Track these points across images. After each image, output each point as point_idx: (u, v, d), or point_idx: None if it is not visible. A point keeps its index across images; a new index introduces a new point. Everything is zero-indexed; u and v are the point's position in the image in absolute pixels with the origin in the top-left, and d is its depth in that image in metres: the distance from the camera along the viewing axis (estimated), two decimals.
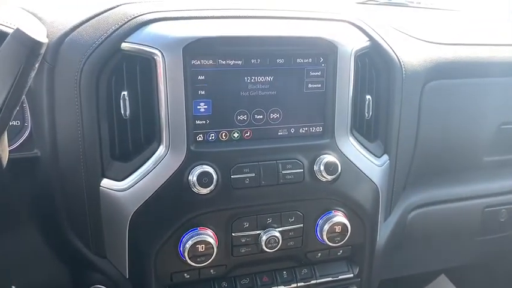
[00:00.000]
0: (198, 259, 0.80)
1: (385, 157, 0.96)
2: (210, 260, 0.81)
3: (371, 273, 0.99)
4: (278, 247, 0.85)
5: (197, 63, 0.77)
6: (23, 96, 0.79)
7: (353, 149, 0.89)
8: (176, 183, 0.79)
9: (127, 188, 0.79)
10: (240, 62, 0.79)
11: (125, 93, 0.77)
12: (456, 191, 1.13)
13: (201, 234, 0.80)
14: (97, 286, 0.84)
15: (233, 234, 0.84)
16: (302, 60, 0.83)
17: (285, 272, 0.92)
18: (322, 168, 0.84)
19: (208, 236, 0.81)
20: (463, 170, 1.14)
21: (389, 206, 1.02)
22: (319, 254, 0.92)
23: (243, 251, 0.86)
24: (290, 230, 0.87)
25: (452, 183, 1.13)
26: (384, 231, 1.00)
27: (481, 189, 1.15)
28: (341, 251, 0.93)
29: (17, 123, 0.82)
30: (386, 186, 0.97)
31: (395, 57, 0.92)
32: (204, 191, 0.79)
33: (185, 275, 0.84)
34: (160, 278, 0.83)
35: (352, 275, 0.96)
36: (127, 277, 0.83)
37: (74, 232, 0.84)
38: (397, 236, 1.06)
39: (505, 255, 1.40)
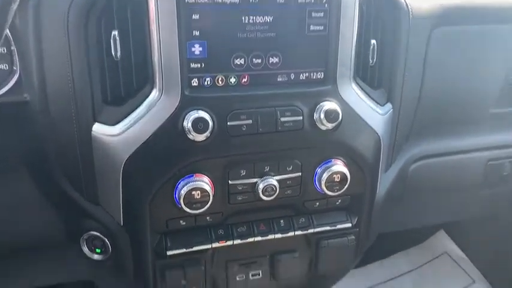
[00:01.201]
0: (194, 206, 0.79)
1: (389, 106, 0.92)
2: (206, 207, 0.80)
3: (370, 224, 0.98)
4: (275, 195, 0.84)
5: (191, 1, 0.72)
6: (10, 38, 0.76)
7: (355, 97, 0.85)
8: (170, 129, 0.76)
9: (119, 134, 0.77)
10: (237, 1, 0.74)
11: (116, 33, 0.73)
12: (460, 143, 1.10)
13: (196, 180, 0.78)
14: (91, 233, 0.83)
15: (230, 182, 0.82)
16: (304, 0, 0.78)
17: (282, 221, 0.91)
18: (322, 115, 0.81)
19: (204, 182, 0.79)
20: (467, 122, 1.11)
21: (390, 156, 0.99)
22: (317, 204, 0.91)
23: (239, 198, 0.84)
24: (288, 179, 0.85)
25: (456, 135, 1.10)
26: (384, 182, 0.98)
27: (484, 141, 1.12)
28: (339, 201, 0.92)
29: (5, 67, 0.78)
30: (388, 136, 0.95)
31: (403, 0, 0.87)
32: (200, 137, 0.76)
33: (181, 222, 0.83)
34: (155, 224, 0.82)
35: (350, 224, 0.94)
36: (121, 224, 0.82)
37: (67, 178, 0.82)
38: (398, 188, 1.04)
39: (507, 210, 1.40)
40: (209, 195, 0.79)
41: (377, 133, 0.90)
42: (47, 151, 0.81)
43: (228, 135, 0.79)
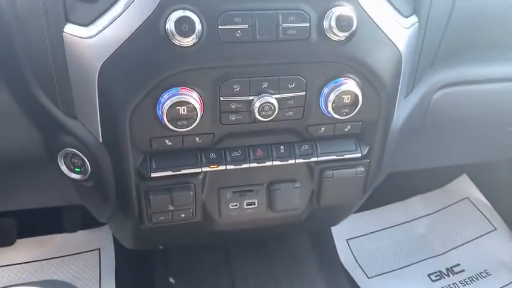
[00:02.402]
0: (179, 123, 0.69)
1: (414, 18, 0.78)
2: (193, 125, 0.70)
3: (382, 156, 0.87)
4: (273, 116, 0.73)
5: None
6: None
7: (375, 2, 0.72)
8: (151, 30, 0.65)
9: (94, 35, 0.66)
10: None
11: None
12: (493, 70, 0.95)
13: (182, 94, 0.68)
14: (68, 149, 0.75)
15: (221, 98, 0.72)
16: None
17: (282, 147, 0.81)
18: (333, 22, 0.69)
19: (191, 97, 0.69)
20: (504, 46, 0.96)
21: (412, 80, 0.86)
22: (323, 129, 0.80)
23: (233, 118, 0.74)
24: (289, 98, 0.74)
25: (491, 61, 0.95)
26: (402, 110, 0.86)
27: None
28: (349, 127, 0.81)
29: None
30: (411, 55, 0.81)
31: None
32: (186, 42, 0.65)
33: (166, 141, 0.74)
34: (138, 143, 0.73)
35: (359, 154, 0.84)
36: (100, 141, 0.74)
37: (41, 88, 0.73)
38: (418, 118, 0.92)
39: None
40: (196, 112, 0.69)
41: (398, 49, 0.77)
42: (18, 56, 0.72)
43: (219, 42, 0.67)
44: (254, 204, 0.84)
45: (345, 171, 0.84)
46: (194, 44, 0.67)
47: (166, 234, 0.92)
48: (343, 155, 0.83)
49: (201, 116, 0.71)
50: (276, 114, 0.74)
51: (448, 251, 1.56)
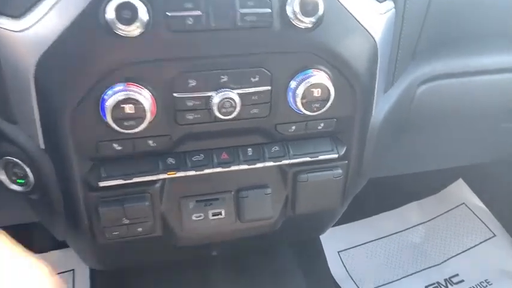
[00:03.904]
0: (126, 123, 0.61)
1: (390, 4, 0.71)
2: (142, 126, 0.62)
3: (362, 156, 0.79)
4: (236, 114, 0.65)
5: None
6: None
7: None
8: (90, 20, 0.58)
9: (27, 28, 0.59)
10: None
11: None
12: (482, 61, 0.88)
13: (128, 90, 0.61)
14: (7, 158, 0.67)
15: (175, 94, 0.64)
16: None
17: (250, 149, 0.73)
18: (297, 8, 0.61)
19: (139, 93, 0.61)
20: (493, 35, 0.89)
21: (392, 73, 0.79)
22: (293, 127, 0.72)
23: (190, 117, 0.66)
24: (253, 93, 0.67)
25: (479, 51, 0.88)
26: (382, 105, 0.78)
27: None
28: (322, 125, 0.73)
29: None
30: (388, 45, 0.74)
31: None
32: (130, 31, 0.58)
33: (114, 145, 0.66)
34: (83, 148, 0.65)
35: (336, 155, 0.76)
36: (42, 147, 0.66)
37: None
38: (400, 115, 0.84)
39: None
40: (145, 111, 0.61)
41: (372, 37, 0.69)
42: None
43: (169, 31, 0.60)
44: (221, 215, 0.75)
45: (321, 174, 0.76)
46: (140, 34, 0.59)
47: (128, 251, 0.83)
48: (318, 156, 0.75)
49: (153, 116, 0.63)
50: (239, 112, 0.67)
51: (445, 261, 1.48)
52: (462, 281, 1.42)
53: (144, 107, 0.61)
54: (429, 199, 1.66)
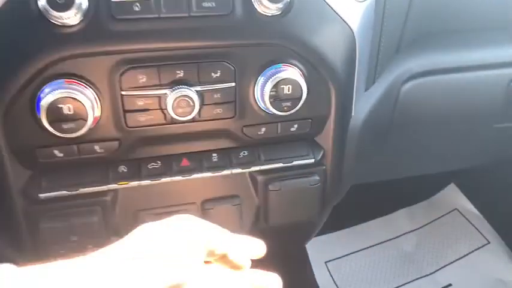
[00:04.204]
0: (65, 126, 0.53)
1: None
2: (85, 129, 0.54)
3: (342, 161, 0.71)
4: (194, 114, 0.57)
5: None
6: None
7: None
8: (21, 7, 0.50)
9: None
10: None
11: None
12: (473, 56, 0.81)
13: (66, 88, 0.52)
14: None
15: (123, 92, 0.56)
16: None
17: (215, 155, 0.65)
18: None
19: (78, 91, 0.53)
20: (484, 29, 0.82)
21: (373, 69, 0.71)
22: (263, 129, 0.64)
23: (142, 119, 0.58)
24: (215, 91, 0.59)
25: (469, 46, 0.81)
26: (363, 105, 0.71)
27: (507, 54, 0.83)
28: (296, 126, 0.65)
29: None
30: (368, 37, 0.67)
31: None
32: (66, 19, 0.50)
33: (55, 151, 0.57)
34: (19, 154, 0.57)
35: (312, 160, 0.68)
36: None
37: None
38: (384, 115, 0.77)
39: None
40: (86, 111, 0.53)
41: (350, 28, 0.62)
42: None
43: (113, 19, 0.52)
44: None
45: (296, 182, 0.68)
46: (80, 23, 0.51)
47: None
48: (292, 162, 0.67)
49: (98, 117, 0.55)
50: (199, 112, 0.59)
51: (438, 270, 1.40)
52: None
53: (85, 107, 0.53)
54: (420, 205, 1.58)
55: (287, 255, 1.31)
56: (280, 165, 0.67)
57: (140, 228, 0.45)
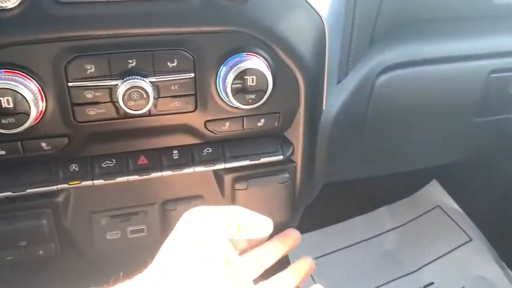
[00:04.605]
0: (4, 121, 0.48)
1: None
2: (27, 124, 0.49)
3: (313, 157, 0.67)
4: (148, 108, 0.53)
5: None
6: None
7: None
8: None
9: None
10: None
11: None
12: (451, 47, 0.78)
13: (3, 79, 0.47)
14: None
15: (70, 84, 0.51)
16: None
17: (175, 152, 0.60)
18: None
19: (17, 82, 0.48)
20: (462, 18, 0.79)
21: (346, 61, 0.68)
22: (228, 124, 0.60)
23: (92, 113, 0.53)
24: (172, 82, 0.54)
25: (446, 36, 0.78)
26: (335, 98, 0.67)
27: (487, 45, 0.80)
28: (262, 121, 0.61)
29: None
30: (339, 24, 0.63)
31: None
32: (3, 2, 0.45)
33: None
34: None
35: (281, 156, 0.63)
36: None
37: None
38: (358, 109, 0.73)
39: (510, 150, 1.09)
40: (28, 104, 0.48)
41: (318, 14, 0.58)
42: None
43: (56, 2, 0.47)
44: (142, 232, 0.62)
45: (264, 180, 0.63)
46: (18, 6, 0.47)
47: (32, 279, 0.69)
48: (260, 159, 0.63)
49: (42, 111, 0.50)
50: (156, 106, 0.54)
51: (420, 268, 1.37)
52: None
53: (27, 100, 0.48)
54: (401, 202, 1.56)
55: None
56: (247, 162, 0.62)
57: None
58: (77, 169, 0.57)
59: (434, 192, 1.57)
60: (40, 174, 0.56)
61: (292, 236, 0.62)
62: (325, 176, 0.72)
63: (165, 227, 0.63)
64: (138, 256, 0.65)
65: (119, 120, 0.55)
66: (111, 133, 0.56)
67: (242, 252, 0.55)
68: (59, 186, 0.56)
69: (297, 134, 0.64)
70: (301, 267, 0.60)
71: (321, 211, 1.20)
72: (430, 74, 0.77)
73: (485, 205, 1.42)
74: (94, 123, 0.54)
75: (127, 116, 0.54)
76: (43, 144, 0.54)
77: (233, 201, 0.64)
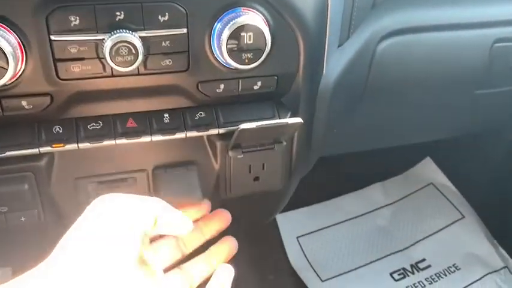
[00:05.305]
0: None
1: None
2: (5, 80, 0.45)
3: (311, 125, 0.64)
4: (137, 64, 0.49)
5: None
6: None
7: None
8: None
9: None
10: None
11: None
12: (455, 13, 0.74)
13: None
14: None
15: (52, 37, 0.47)
16: None
17: (166, 115, 0.57)
18: None
19: None
20: None
21: (347, 23, 0.64)
22: (222, 86, 0.56)
23: (76, 70, 0.49)
24: (163, 38, 0.50)
25: (451, 2, 0.74)
26: (335, 63, 0.63)
27: (493, 13, 0.76)
28: (259, 84, 0.57)
29: None
30: None
31: None
32: None
33: None
34: None
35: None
36: None
37: None
38: (358, 77, 0.70)
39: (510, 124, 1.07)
40: (6, 58, 0.44)
41: None
42: None
43: None
44: None
45: (259, 147, 0.61)
46: None
47: (15, 244, 0.66)
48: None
49: (21, 66, 0.47)
50: (145, 63, 0.51)
51: (412, 245, 1.36)
52: (429, 266, 1.32)
53: (5, 53, 0.44)
54: (395, 179, 1.54)
55: (256, 230, 1.26)
56: None
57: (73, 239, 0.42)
58: (60, 131, 0.53)
59: (428, 169, 1.56)
60: (21, 136, 0.52)
61: (227, 251, 0.55)
62: (322, 147, 0.69)
63: (155, 193, 0.60)
64: None
65: (105, 79, 0.51)
66: (97, 93, 0.52)
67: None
68: (42, 149, 0.52)
69: (295, 100, 0.60)
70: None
71: (313, 187, 1.17)
72: (433, 42, 0.74)
73: (479, 182, 1.41)
74: (78, 81, 0.50)
75: (114, 73, 0.50)
76: (23, 103, 0.50)
77: (226, 168, 0.61)
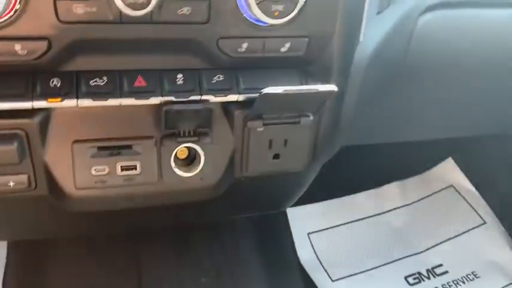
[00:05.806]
0: None
1: None
2: None
3: (341, 98, 0.57)
4: (151, 8, 0.42)
5: None
6: None
7: None
8: None
9: None
10: None
11: None
12: None
13: None
14: None
15: None
16: None
17: (180, 75, 0.49)
18: None
19: None
20: None
21: None
22: (245, 45, 0.49)
23: (79, 10, 0.42)
24: None
25: None
26: (373, 31, 0.56)
27: None
28: (288, 45, 0.50)
29: None
30: None
31: None
32: None
33: None
34: None
35: None
36: None
37: None
38: (396, 50, 0.63)
39: None
40: None
41: None
42: None
43: None
44: (135, 169, 0.52)
45: (283, 120, 0.53)
46: None
47: (8, 216, 0.59)
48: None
49: (15, 5, 0.40)
50: (159, 9, 0.43)
51: (428, 249, 1.29)
52: (446, 272, 1.25)
53: None
54: (413, 179, 1.47)
55: (267, 223, 1.20)
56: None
57: None
58: (58, 84, 0.46)
59: (449, 170, 1.49)
60: (13, 87, 0.45)
61: None
62: (348, 130, 0.61)
63: (162, 165, 0.53)
64: (128, 200, 0.55)
65: (112, 25, 0.44)
66: (103, 43, 0.45)
67: None
68: (35, 103, 0.46)
69: (328, 68, 0.53)
70: None
71: (329, 182, 1.12)
72: (478, 19, 0.66)
73: (502, 187, 1.34)
74: (81, 25, 0.43)
75: (123, 19, 0.43)
76: (17, 47, 0.43)
77: (244, 142, 0.54)
